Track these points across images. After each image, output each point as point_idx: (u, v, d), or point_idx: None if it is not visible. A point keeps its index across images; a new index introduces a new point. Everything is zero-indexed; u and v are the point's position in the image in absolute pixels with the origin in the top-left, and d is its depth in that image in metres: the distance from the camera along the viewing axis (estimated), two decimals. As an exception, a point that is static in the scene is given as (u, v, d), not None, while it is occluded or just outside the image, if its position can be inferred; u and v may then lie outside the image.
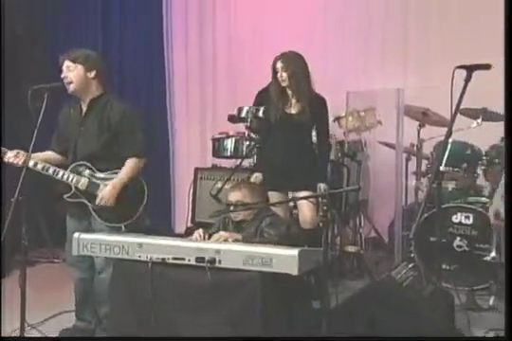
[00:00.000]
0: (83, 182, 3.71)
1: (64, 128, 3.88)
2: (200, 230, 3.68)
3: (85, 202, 3.73)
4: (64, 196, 3.74)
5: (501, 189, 3.26)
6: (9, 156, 3.67)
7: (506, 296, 2.81)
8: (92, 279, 3.80)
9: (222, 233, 3.56)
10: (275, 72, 4.24)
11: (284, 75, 4.19)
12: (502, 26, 4.81)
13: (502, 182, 3.26)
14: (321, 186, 4.20)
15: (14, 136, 5.01)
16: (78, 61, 3.73)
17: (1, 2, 5.69)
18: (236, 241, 3.47)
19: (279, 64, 4.21)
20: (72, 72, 3.72)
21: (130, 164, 3.71)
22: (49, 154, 3.89)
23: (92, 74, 3.76)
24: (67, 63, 3.73)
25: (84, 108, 3.80)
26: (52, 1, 6.62)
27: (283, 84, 4.23)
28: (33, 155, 3.66)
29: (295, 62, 4.23)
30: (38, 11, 6.52)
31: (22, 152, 3.66)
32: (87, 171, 3.74)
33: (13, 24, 6.04)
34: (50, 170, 3.71)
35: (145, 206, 3.79)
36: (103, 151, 3.72)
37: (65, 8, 6.66)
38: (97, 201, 3.65)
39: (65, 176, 3.71)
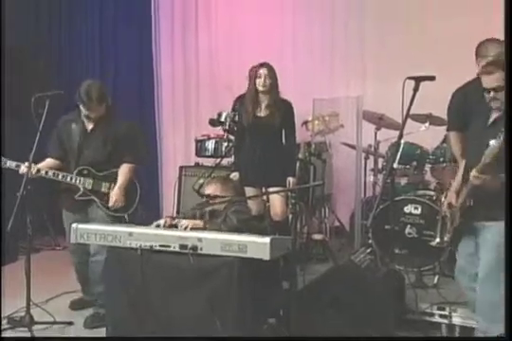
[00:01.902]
0: (89, 182, 3.84)
1: (65, 140, 3.91)
2: (168, 218, 3.68)
3: (94, 198, 3.85)
4: (75, 196, 3.84)
5: (455, 184, 3.31)
6: (23, 168, 3.71)
7: (506, 297, 2.84)
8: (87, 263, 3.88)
9: (184, 221, 3.55)
10: (256, 77, 4.18)
11: (268, 81, 4.16)
12: (455, 41, 4.94)
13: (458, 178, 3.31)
14: (290, 179, 4.21)
15: (18, 139, 5.02)
16: (100, 102, 3.75)
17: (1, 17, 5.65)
18: (196, 225, 3.48)
19: (263, 71, 4.17)
20: (96, 111, 3.78)
21: (128, 169, 3.90)
22: (48, 162, 3.92)
23: (106, 104, 3.83)
24: (95, 104, 3.72)
25: (90, 125, 3.86)
26: (55, 16, 6.58)
27: (263, 89, 4.18)
28: (40, 165, 3.79)
29: (273, 71, 4.22)
30: (42, 25, 6.49)
31: (33, 164, 3.70)
32: (90, 173, 3.85)
33: (20, 38, 6.00)
34: (60, 176, 3.83)
35: (139, 200, 3.98)
36: (107, 158, 3.86)
37: (67, 22, 6.63)
38: (110, 204, 3.82)
39: (73, 179, 3.82)
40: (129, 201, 3.91)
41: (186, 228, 3.44)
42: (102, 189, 3.85)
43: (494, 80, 3.02)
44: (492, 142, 2.80)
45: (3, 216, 4.82)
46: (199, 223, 3.55)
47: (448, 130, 4.16)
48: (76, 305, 4.06)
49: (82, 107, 3.77)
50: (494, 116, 3.13)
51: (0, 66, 5.53)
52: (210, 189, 3.74)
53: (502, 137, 2.78)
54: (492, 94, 3.04)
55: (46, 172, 3.78)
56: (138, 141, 3.98)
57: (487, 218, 3.06)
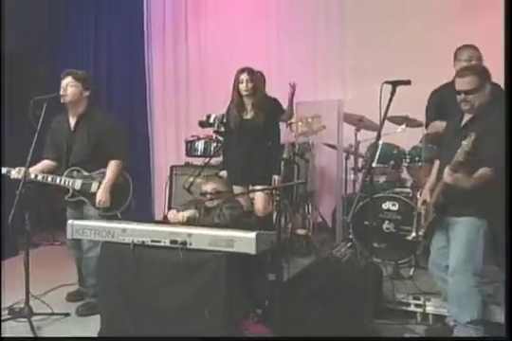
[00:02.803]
0: (78, 183, 3.78)
1: (56, 139, 3.90)
2: (174, 211, 3.68)
3: (83, 199, 3.79)
4: (65, 197, 3.80)
5: (429, 182, 3.34)
6: (14, 174, 3.70)
7: (506, 297, 2.86)
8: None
9: (173, 211, 3.61)
10: (238, 83, 4.15)
11: (250, 85, 4.13)
12: (430, 47, 4.97)
13: (432, 176, 3.33)
14: (276, 177, 4.20)
15: (18, 141, 4.99)
16: (80, 79, 3.77)
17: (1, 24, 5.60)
18: (191, 214, 3.53)
19: (244, 76, 4.14)
20: (72, 87, 3.75)
21: (113, 166, 3.80)
22: (44, 163, 3.90)
23: (87, 93, 3.81)
24: (69, 80, 3.75)
25: (73, 122, 3.83)
26: (53, 22, 6.58)
27: (246, 93, 4.16)
28: (32, 169, 3.74)
29: (256, 75, 4.21)
30: (42, 33, 6.47)
31: (23, 168, 3.66)
32: (79, 174, 3.80)
33: (20, 44, 5.96)
34: (49, 179, 3.78)
35: (132, 197, 3.90)
36: (91, 155, 3.78)
37: (63, 27, 6.64)
38: (96, 204, 3.74)
39: (63, 181, 3.77)
40: (120, 199, 3.83)
41: (182, 218, 3.49)
42: (92, 190, 3.77)
43: (466, 83, 3.07)
44: (464, 142, 2.82)
45: (3, 213, 4.81)
46: (193, 212, 3.59)
47: (427, 124, 4.15)
48: (72, 297, 4.06)
49: (61, 85, 3.75)
50: (466, 118, 3.18)
51: (0, 69, 5.49)
52: (213, 186, 3.71)
53: (472, 137, 2.80)
54: (463, 96, 3.08)
55: (36, 176, 3.75)
56: (121, 137, 3.89)
57: (458, 214, 3.11)
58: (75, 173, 3.80)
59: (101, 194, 3.74)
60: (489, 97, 3.11)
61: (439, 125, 3.84)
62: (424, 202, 3.28)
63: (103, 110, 4.01)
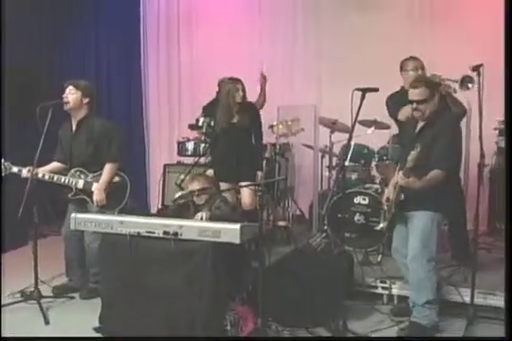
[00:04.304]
0: (81, 183, 3.79)
1: (62, 143, 3.92)
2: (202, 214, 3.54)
3: (85, 197, 3.80)
4: (69, 195, 3.82)
5: (393, 181, 3.38)
6: (24, 173, 3.71)
7: (506, 296, 2.88)
8: (77, 250, 3.89)
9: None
10: (236, 91, 4.15)
11: (244, 94, 4.18)
12: (392, 59, 5.03)
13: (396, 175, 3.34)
14: (259, 173, 4.25)
15: (22, 144, 4.96)
16: (79, 88, 3.77)
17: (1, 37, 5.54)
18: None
19: (240, 86, 4.17)
20: (72, 95, 3.76)
21: (107, 169, 3.80)
22: (54, 165, 3.92)
23: (86, 100, 3.80)
24: (71, 88, 3.77)
25: (74, 126, 3.84)
26: (59, 34, 6.53)
27: (240, 100, 4.18)
28: (41, 169, 3.76)
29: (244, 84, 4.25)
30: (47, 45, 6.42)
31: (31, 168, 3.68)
32: (82, 175, 3.81)
33: (26, 56, 5.90)
34: (55, 178, 3.80)
35: (129, 196, 3.89)
36: (91, 158, 3.80)
37: (68, 38, 6.60)
38: (94, 204, 3.75)
39: (67, 180, 3.78)
40: (118, 198, 3.82)
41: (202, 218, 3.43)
42: (93, 189, 3.77)
43: (418, 93, 3.13)
44: (412, 152, 2.89)
45: (3, 208, 4.82)
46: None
47: (396, 120, 4.14)
48: (58, 290, 3.92)
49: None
50: (420, 124, 3.25)
51: (1, 73, 5.43)
52: (199, 184, 3.69)
53: (419, 148, 2.87)
54: (415, 105, 3.15)
55: (43, 175, 3.76)
56: (115, 142, 3.83)
57: (415, 208, 3.18)
58: (78, 173, 3.81)
59: (97, 194, 3.76)
60: (438, 105, 3.18)
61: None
62: (387, 199, 3.34)
63: (100, 117, 3.98)
